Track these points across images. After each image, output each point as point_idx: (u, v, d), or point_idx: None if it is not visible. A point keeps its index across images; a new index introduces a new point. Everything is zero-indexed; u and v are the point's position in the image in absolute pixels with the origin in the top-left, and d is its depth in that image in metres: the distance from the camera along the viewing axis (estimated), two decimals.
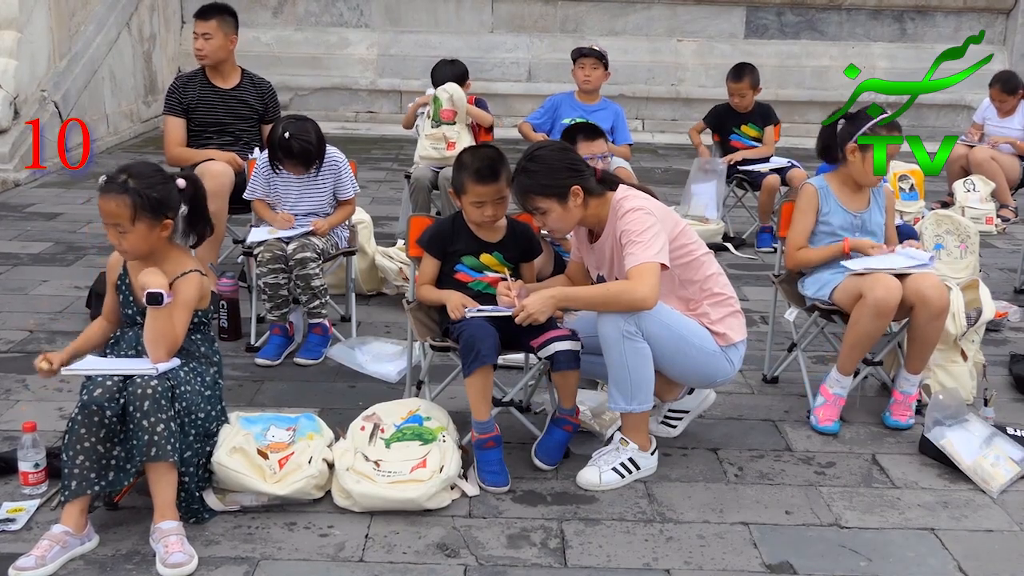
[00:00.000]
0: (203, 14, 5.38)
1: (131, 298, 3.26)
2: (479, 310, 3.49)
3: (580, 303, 3.55)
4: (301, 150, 4.48)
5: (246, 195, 4.79)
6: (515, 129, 6.78)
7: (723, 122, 7.16)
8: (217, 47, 5.35)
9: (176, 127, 5.35)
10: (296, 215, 4.66)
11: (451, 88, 5.99)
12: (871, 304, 3.78)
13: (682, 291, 3.56)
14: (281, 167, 4.58)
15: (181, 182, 3.24)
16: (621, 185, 3.56)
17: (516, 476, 3.49)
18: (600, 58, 6.26)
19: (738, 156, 6.95)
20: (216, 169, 5.00)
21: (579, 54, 6.32)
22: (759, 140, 7.04)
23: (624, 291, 3.34)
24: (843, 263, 3.98)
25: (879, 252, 4.00)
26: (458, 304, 3.53)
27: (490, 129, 6.26)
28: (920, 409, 4.05)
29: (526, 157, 3.51)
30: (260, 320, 4.72)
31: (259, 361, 4.50)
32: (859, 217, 4.12)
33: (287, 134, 4.44)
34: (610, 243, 3.51)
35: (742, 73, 6.95)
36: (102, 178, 3.17)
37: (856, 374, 4.10)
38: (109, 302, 3.39)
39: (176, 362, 3.18)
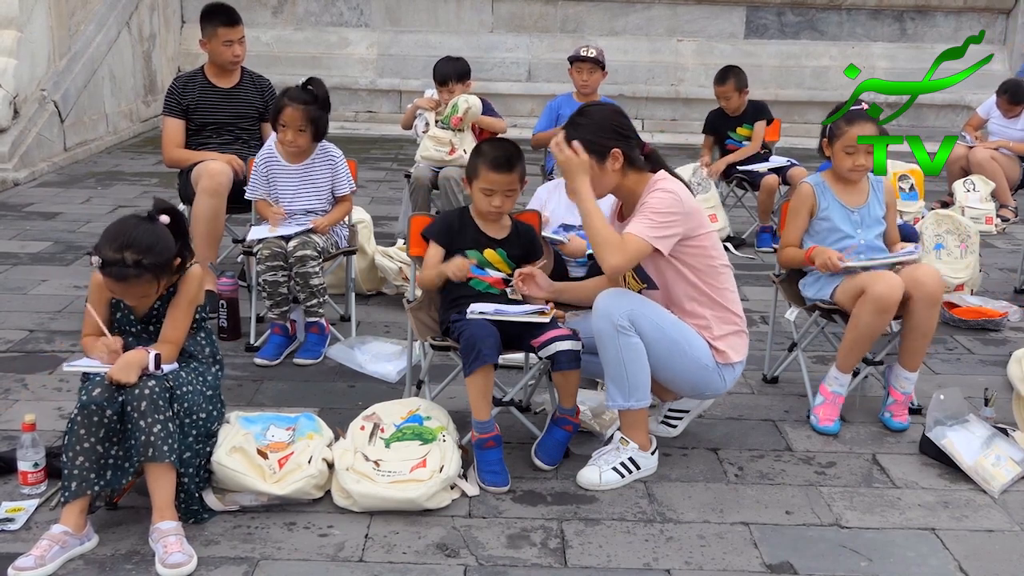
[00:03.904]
0: (233, 20, 5.31)
1: (131, 316, 3.24)
2: (481, 312, 3.49)
3: (584, 215, 3.44)
4: (314, 95, 4.54)
5: (248, 195, 4.77)
6: (516, 129, 6.79)
7: (719, 127, 7.18)
8: (246, 48, 5.41)
9: (174, 128, 5.34)
10: (294, 212, 4.65)
11: (472, 101, 6.00)
12: (872, 299, 3.78)
13: (692, 301, 3.52)
14: (278, 120, 4.54)
15: (164, 218, 3.10)
16: (663, 170, 3.54)
17: (516, 476, 3.48)
18: (597, 62, 6.28)
19: (722, 164, 6.93)
20: (214, 168, 4.99)
21: (576, 59, 6.33)
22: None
23: (607, 244, 3.33)
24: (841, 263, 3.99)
25: (842, 262, 3.93)
26: (460, 265, 3.53)
27: (496, 135, 6.27)
28: (918, 410, 4.06)
29: (579, 111, 3.56)
30: (260, 320, 4.72)
31: (258, 361, 4.49)
32: (857, 212, 4.11)
33: (300, 82, 4.57)
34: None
35: (726, 76, 6.95)
36: (96, 259, 3.00)
37: (856, 374, 4.10)
38: (101, 318, 3.22)
39: (175, 365, 3.18)
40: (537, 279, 3.65)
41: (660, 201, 3.38)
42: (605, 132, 3.45)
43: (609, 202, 3.68)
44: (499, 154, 3.62)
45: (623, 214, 3.62)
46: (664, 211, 3.36)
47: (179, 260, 3.14)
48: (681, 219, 3.39)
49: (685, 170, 6.81)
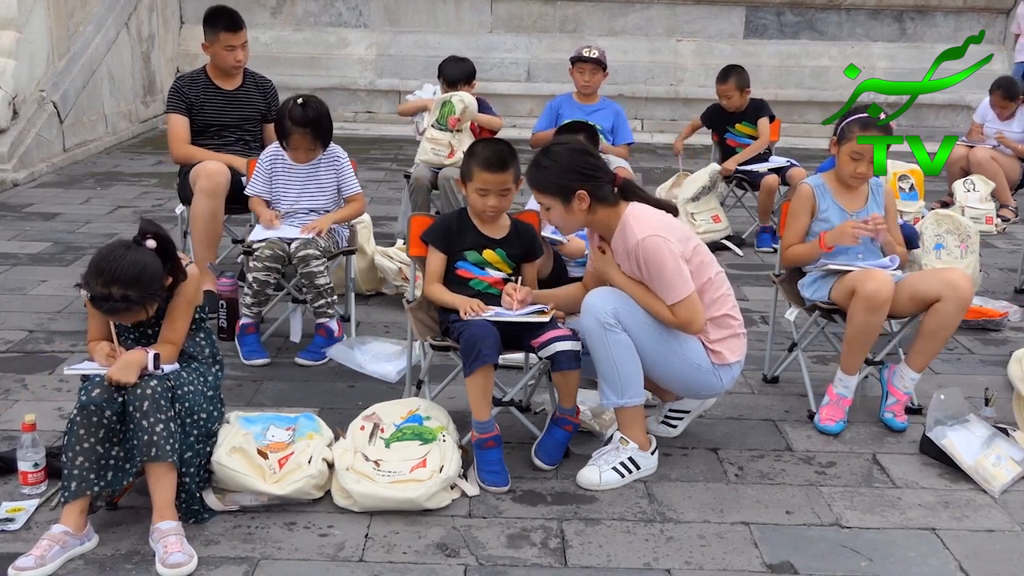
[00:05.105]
0: (237, 25, 5.29)
1: (128, 326, 3.24)
2: (496, 313, 3.49)
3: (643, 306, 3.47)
4: (316, 115, 4.50)
5: (247, 191, 4.77)
6: (515, 129, 6.79)
7: (717, 122, 7.17)
8: (248, 52, 5.40)
9: (181, 125, 5.32)
10: (297, 211, 4.65)
11: (467, 99, 5.99)
12: (863, 298, 3.79)
13: None
14: (287, 143, 4.55)
15: (151, 242, 3.06)
16: (634, 203, 3.51)
17: (516, 476, 3.48)
18: (599, 63, 6.27)
19: (731, 164, 6.91)
20: (212, 168, 4.99)
21: (578, 60, 6.32)
22: (754, 137, 7.01)
23: (678, 325, 3.40)
24: (824, 260, 4.01)
25: (859, 233, 3.97)
26: (472, 305, 3.52)
27: (494, 132, 6.26)
28: (919, 410, 4.05)
29: (543, 150, 3.54)
30: (260, 320, 4.71)
31: (256, 362, 4.48)
32: (856, 216, 4.12)
33: (300, 100, 4.50)
34: (622, 258, 3.47)
35: (728, 75, 6.95)
36: (85, 294, 3.01)
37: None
38: (99, 326, 3.25)
39: (175, 366, 3.18)
40: (524, 302, 3.60)
41: (657, 254, 3.34)
42: (569, 175, 3.43)
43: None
44: (491, 154, 3.61)
45: (603, 243, 3.60)
46: (667, 258, 3.34)
47: (170, 279, 3.12)
48: (678, 248, 3.38)
49: (702, 174, 6.80)
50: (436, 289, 3.68)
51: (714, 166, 6.88)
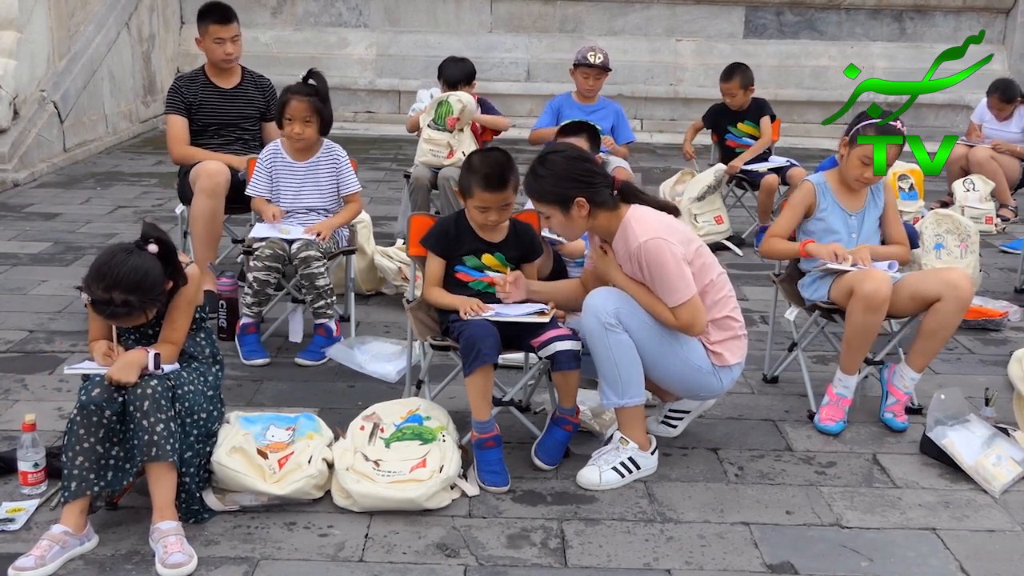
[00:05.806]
0: (225, 18, 5.29)
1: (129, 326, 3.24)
2: (496, 313, 3.49)
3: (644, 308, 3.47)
4: (315, 88, 4.58)
5: (248, 191, 4.77)
6: (515, 129, 6.79)
7: (719, 121, 7.15)
8: (241, 47, 5.39)
9: (180, 125, 5.32)
10: (297, 210, 4.65)
11: (465, 99, 5.95)
12: (862, 298, 3.79)
13: None
14: (286, 112, 4.55)
15: (153, 247, 3.05)
16: (635, 205, 3.50)
17: (516, 476, 3.48)
18: (603, 69, 6.27)
19: (738, 162, 6.89)
20: (212, 168, 4.99)
21: (582, 64, 6.30)
22: (755, 136, 7.01)
23: (679, 327, 3.40)
24: (823, 260, 4.00)
25: (837, 260, 3.95)
26: (471, 305, 3.52)
27: (498, 133, 6.25)
28: (919, 410, 4.05)
29: (539, 159, 3.51)
30: (260, 320, 4.71)
31: (256, 362, 4.48)
32: (855, 216, 4.11)
33: (303, 76, 4.63)
34: (624, 260, 3.47)
35: (732, 73, 6.94)
36: (85, 297, 3.02)
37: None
38: (99, 327, 3.25)
39: (176, 365, 3.18)
40: (516, 284, 3.63)
41: (659, 256, 3.34)
42: (566, 183, 3.42)
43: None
44: (491, 171, 3.56)
45: (604, 243, 3.60)
46: (669, 260, 3.34)
47: (171, 284, 3.12)
48: (681, 251, 3.38)
49: (707, 174, 6.80)
50: (436, 293, 3.68)
51: (720, 166, 6.88)
